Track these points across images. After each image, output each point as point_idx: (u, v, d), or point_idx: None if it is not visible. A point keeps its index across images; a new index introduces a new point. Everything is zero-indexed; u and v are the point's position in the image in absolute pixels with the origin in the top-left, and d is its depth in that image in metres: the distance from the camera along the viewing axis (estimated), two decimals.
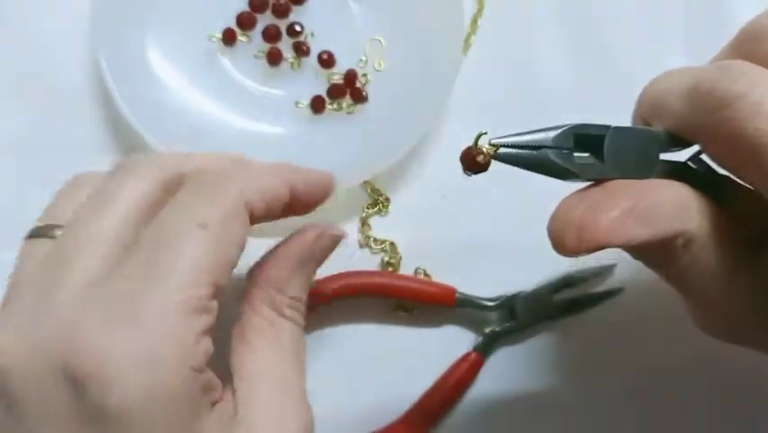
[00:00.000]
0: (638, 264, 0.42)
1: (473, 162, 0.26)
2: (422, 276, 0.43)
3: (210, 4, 0.45)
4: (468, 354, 0.41)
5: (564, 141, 0.26)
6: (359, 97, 0.44)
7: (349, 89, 0.44)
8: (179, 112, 0.43)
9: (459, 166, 0.44)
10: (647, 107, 0.30)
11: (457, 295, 0.41)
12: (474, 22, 0.46)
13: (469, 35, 0.46)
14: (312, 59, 0.45)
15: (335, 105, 0.44)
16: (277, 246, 0.33)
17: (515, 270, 0.42)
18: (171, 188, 0.30)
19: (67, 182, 0.32)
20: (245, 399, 0.29)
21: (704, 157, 0.29)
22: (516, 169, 0.45)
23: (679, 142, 0.28)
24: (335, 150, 0.43)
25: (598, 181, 0.27)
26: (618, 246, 0.26)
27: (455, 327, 0.42)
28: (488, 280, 0.42)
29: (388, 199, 0.44)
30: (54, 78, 0.44)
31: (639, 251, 0.29)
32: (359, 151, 0.43)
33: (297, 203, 0.33)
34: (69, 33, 0.44)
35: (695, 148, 0.29)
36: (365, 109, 0.44)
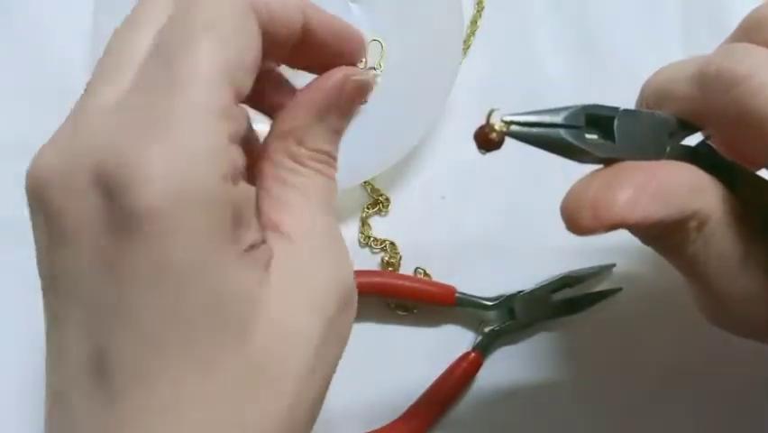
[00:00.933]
0: (637, 264, 0.42)
1: (487, 140, 0.26)
2: (422, 276, 0.43)
3: None
4: (467, 354, 0.41)
5: (576, 120, 0.26)
6: None
7: None
8: None
9: (460, 165, 0.45)
10: (652, 95, 0.30)
11: (457, 295, 0.42)
12: (474, 22, 0.46)
13: (469, 35, 0.46)
14: None
15: None
16: (298, 94, 0.29)
17: (514, 270, 0.43)
18: None
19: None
20: (278, 255, 0.26)
21: (710, 144, 0.29)
22: (515, 168, 0.45)
23: (686, 127, 0.28)
24: None
25: (609, 163, 0.27)
26: (633, 225, 0.25)
27: (455, 327, 0.42)
28: (488, 280, 0.42)
29: (388, 199, 0.44)
30: (55, 78, 0.44)
31: (651, 233, 0.28)
32: (359, 151, 0.43)
33: (312, 45, 0.28)
34: (71, 34, 0.44)
35: (699, 138, 0.29)
36: (365, 109, 0.44)
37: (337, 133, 0.30)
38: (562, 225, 0.43)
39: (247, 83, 0.25)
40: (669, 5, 0.46)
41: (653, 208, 0.25)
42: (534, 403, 0.41)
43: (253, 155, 0.28)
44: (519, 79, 0.45)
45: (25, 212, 0.39)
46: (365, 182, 0.44)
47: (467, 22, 0.46)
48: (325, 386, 0.27)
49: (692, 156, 0.29)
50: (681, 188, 0.26)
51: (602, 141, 0.27)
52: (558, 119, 0.26)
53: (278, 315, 0.25)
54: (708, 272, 0.28)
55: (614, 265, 0.42)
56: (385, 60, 0.45)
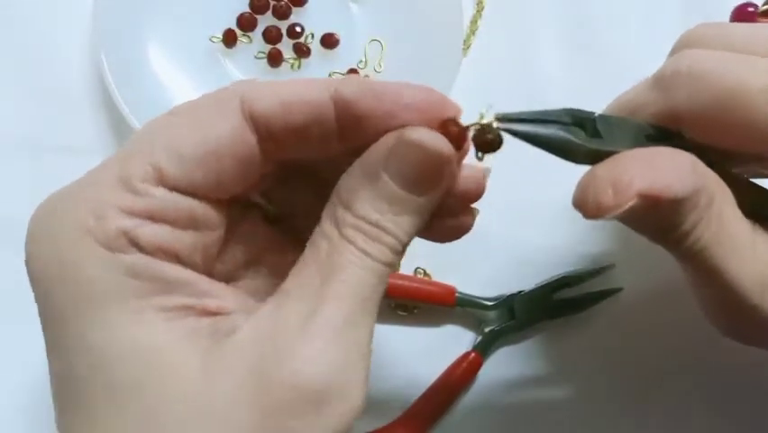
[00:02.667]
0: (637, 264, 0.42)
1: (485, 141, 0.25)
2: (422, 276, 0.43)
3: (211, 5, 0.45)
4: (467, 354, 0.41)
5: (565, 117, 0.27)
6: None
7: None
8: None
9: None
10: (622, 114, 0.30)
11: (457, 295, 0.42)
12: (474, 22, 0.46)
13: (469, 35, 0.46)
14: (312, 60, 0.45)
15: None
16: None
17: (514, 270, 0.43)
18: None
19: None
20: (247, 330, 0.24)
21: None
22: (515, 169, 0.45)
23: (662, 135, 0.29)
24: None
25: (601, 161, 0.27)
26: (654, 197, 0.25)
27: (455, 327, 0.42)
28: (488, 280, 0.42)
29: None
30: (55, 79, 0.44)
31: (665, 221, 0.27)
32: None
33: (365, 122, 0.25)
34: (71, 35, 0.45)
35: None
36: None
37: (393, 202, 0.25)
38: (561, 225, 0.44)
39: (177, 170, 0.24)
40: (669, 6, 0.46)
41: (669, 181, 0.25)
42: (534, 403, 0.41)
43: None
44: (519, 79, 0.45)
45: (26, 212, 0.39)
46: None
47: (467, 22, 0.46)
48: None
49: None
50: (690, 165, 0.26)
51: (591, 138, 0.27)
52: (551, 115, 0.26)
53: (193, 390, 0.23)
54: (720, 259, 0.28)
55: (614, 265, 0.42)
56: (385, 60, 0.45)
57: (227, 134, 0.25)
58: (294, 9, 0.45)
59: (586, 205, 0.26)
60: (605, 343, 0.42)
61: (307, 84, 0.25)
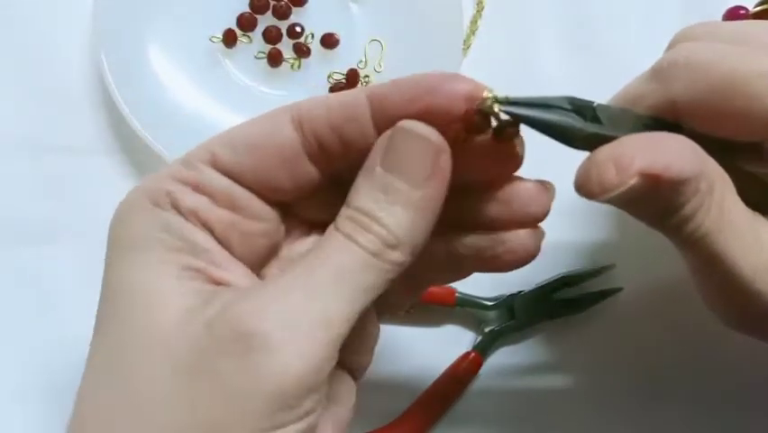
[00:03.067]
0: (637, 264, 0.42)
1: (474, 125, 0.26)
2: None
3: (211, 5, 0.45)
4: (467, 354, 0.41)
5: (566, 104, 0.27)
6: None
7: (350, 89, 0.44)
8: (180, 112, 0.43)
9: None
10: (621, 104, 0.31)
11: (457, 295, 0.42)
12: (474, 22, 0.46)
13: (469, 35, 0.46)
14: (312, 60, 0.45)
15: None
16: None
17: (514, 270, 0.43)
18: None
19: None
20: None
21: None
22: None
23: (661, 125, 0.29)
24: None
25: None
26: (656, 175, 0.25)
27: (455, 327, 0.42)
28: (488, 280, 0.42)
29: None
30: (55, 79, 0.44)
31: (667, 204, 0.27)
32: None
33: (396, 116, 0.26)
34: (71, 35, 0.45)
35: None
36: None
37: (387, 192, 0.25)
38: (561, 225, 0.43)
39: (228, 155, 0.28)
40: (669, 6, 0.46)
41: (671, 160, 0.25)
42: (534, 403, 0.41)
43: None
44: (519, 79, 0.45)
45: (26, 212, 0.39)
46: None
47: (467, 22, 0.46)
48: None
49: None
50: (691, 148, 0.26)
51: (591, 123, 0.27)
52: (552, 100, 0.27)
53: (162, 330, 0.25)
54: (721, 246, 0.27)
55: (614, 265, 0.42)
56: (385, 60, 0.45)
57: (272, 130, 0.28)
58: (294, 9, 0.45)
59: (589, 183, 0.26)
60: (605, 343, 0.42)
61: (347, 92, 0.28)
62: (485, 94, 0.26)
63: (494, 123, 0.27)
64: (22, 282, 0.42)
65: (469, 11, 0.46)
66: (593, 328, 0.42)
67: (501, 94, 0.26)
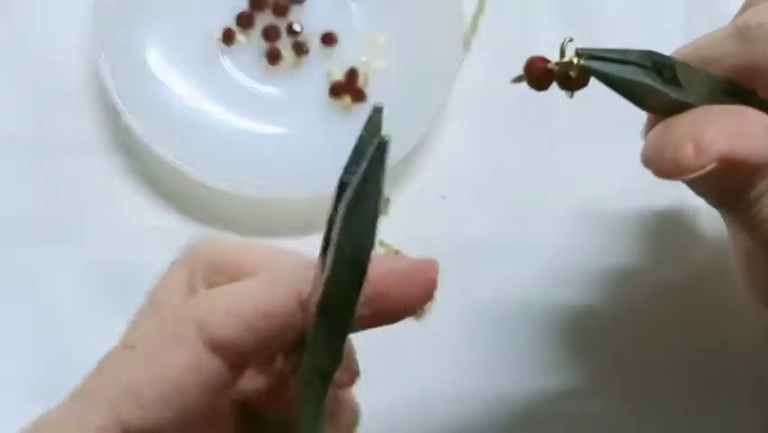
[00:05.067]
0: (638, 264, 0.42)
1: (568, 79, 0.25)
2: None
3: (210, 3, 0.45)
4: None
5: (646, 60, 0.25)
6: (359, 96, 0.44)
7: (350, 88, 0.44)
8: (179, 111, 0.43)
9: (460, 164, 0.45)
10: (696, 62, 0.28)
11: None
12: (474, 22, 0.46)
13: (469, 35, 0.46)
14: (312, 60, 0.45)
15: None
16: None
17: (515, 270, 0.43)
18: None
19: None
20: None
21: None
22: (516, 168, 0.45)
23: (735, 90, 0.27)
24: (335, 149, 0.43)
25: (672, 112, 0.25)
26: (741, 158, 0.24)
27: None
28: (488, 281, 0.42)
29: (387, 199, 0.44)
30: (55, 79, 0.44)
31: (735, 184, 0.26)
32: None
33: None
34: (71, 35, 0.44)
35: None
36: (365, 109, 0.44)
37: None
38: (562, 224, 0.43)
39: (137, 416, 0.22)
40: (671, 6, 0.46)
41: (752, 145, 0.24)
42: (534, 403, 0.41)
43: None
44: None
45: (25, 212, 0.39)
46: None
47: (467, 21, 0.46)
48: None
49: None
50: (766, 129, 0.25)
51: (670, 85, 0.26)
52: (631, 55, 0.25)
53: None
54: None
55: None
56: (385, 60, 0.45)
57: (186, 367, 0.22)
58: (293, 7, 0.45)
59: (662, 161, 0.24)
60: (605, 343, 0.42)
61: (270, 289, 0.23)
62: (564, 45, 0.25)
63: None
64: (22, 282, 0.42)
65: (469, 10, 0.46)
66: (593, 328, 0.42)
67: (579, 46, 0.25)
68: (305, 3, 0.45)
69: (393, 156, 0.41)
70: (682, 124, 0.24)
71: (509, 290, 0.42)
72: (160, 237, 0.42)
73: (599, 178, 0.42)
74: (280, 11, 0.45)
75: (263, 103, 0.44)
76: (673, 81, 0.26)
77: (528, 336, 0.42)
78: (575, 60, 0.25)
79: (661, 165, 0.24)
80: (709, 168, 0.23)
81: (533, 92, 0.45)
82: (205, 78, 0.44)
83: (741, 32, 0.27)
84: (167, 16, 0.44)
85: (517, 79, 0.26)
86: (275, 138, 0.44)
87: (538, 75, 0.25)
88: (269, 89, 0.45)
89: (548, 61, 0.25)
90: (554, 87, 0.44)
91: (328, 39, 0.45)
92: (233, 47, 0.45)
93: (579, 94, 0.44)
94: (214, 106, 0.44)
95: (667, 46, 0.45)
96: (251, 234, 0.40)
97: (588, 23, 0.46)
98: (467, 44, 0.46)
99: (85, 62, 0.44)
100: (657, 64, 0.26)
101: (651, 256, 0.41)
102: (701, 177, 0.24)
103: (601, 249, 0.43)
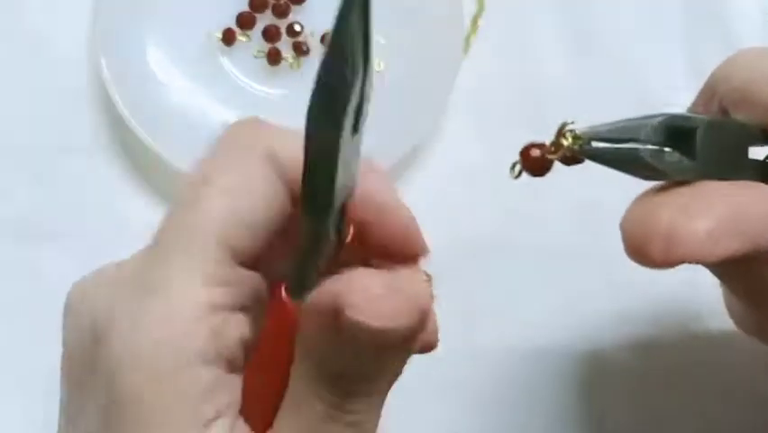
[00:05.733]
0: (638, 265, 0.42)
1: (542, 163, 0.24)
2: None
3: (210, 3, 0.45)
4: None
5: (656, 134, 0.24)
6: None
7: None
8: (179, 112, 0.43)
9: (460, 165, 0.45)
10: (732, 93, 0.26)
11: None
12: (474, 22, 0.46)
13: (469, 35, 0.46)
14: (312, 60, 0.45)
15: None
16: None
17: (515, 270, 0.43)
18: None
19: None
20: None
21: None
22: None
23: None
24: None
25: (682, 182, 0.24)
26: (713, 262, 0.23)
27: None
28: (487, 281, 0.42)
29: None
30: (55, 79, 0.44)
31: (722, 265, 0.25)
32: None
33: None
34: (70, 35, 0.44)
35: None
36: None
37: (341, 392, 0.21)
38: (562, 225, 0.43)
39: (248, 243, 0.22)
40: (670, 5, 0.46)
41: (734, 245, 0.23)
42: (534, 403, 0.41)
43: None
44: (519, 79, 0.45)
45: (25, 212, 0.39)
46: None
47: (467, 21, 0.46)
48: None
49: None
50: (765, 219, 0.24)
51: (681, 158, 0.24)
52: (638, 134, 0.24)
53: None
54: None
55: None
56: (385, 60, 0.45)
57: (271, 195, 0.22)
58: (293, 7, 0.45)
59: (631, 248, 0.23)
60: (604, 343, 0.42)
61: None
62: (565, 126, 0.24)
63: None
64: (22, 282, 0.42)
65: (469, 10, 0.46)
66: (592, 329, 0.42)
67: (575, 128, 0.24)
68: (305, 3, 0.45)
69: (393, 156, 0.42)
70: (661, 211, 0.23)
71: (509, 290, 0.42)
72: None
73: (601, 178, 0.42)
74: (281, 11, 0.45)
75: (263, 103, 0.44)
76: (689, 152, 0.24)
77: (528, 335, 0.42)
78: (567, 143, 0.24)
79: (630, 250, 0.24)
80: (671, 266, 0.23)
81: (533, 92, 0.45)
82: (206, 78, 0.44)
83: None
84: (167, 16, 0.44)
85: (514, 169, 0.25)
86: None
87: (536, 163, 0.24)
88: (270, 90, 0.45)
89: (543, 146, 0.24)
90: (546, 96, 0.44)
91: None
92: (233, 47, 0.45)
93: (582, 90, 0.44)
94: (214, 106, 0.44)
95: (667, 46, 0.46)
96: None
97: (588, 22, 0.46)
98: (467, 44, 0.46)
99: (85, 63, 0.44)
100: (673, 132, 0.24)
101: None
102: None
103: (602, 249, 0.43)
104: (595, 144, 0.24)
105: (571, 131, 0.24)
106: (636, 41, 0.46)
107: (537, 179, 0.43)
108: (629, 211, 0.24)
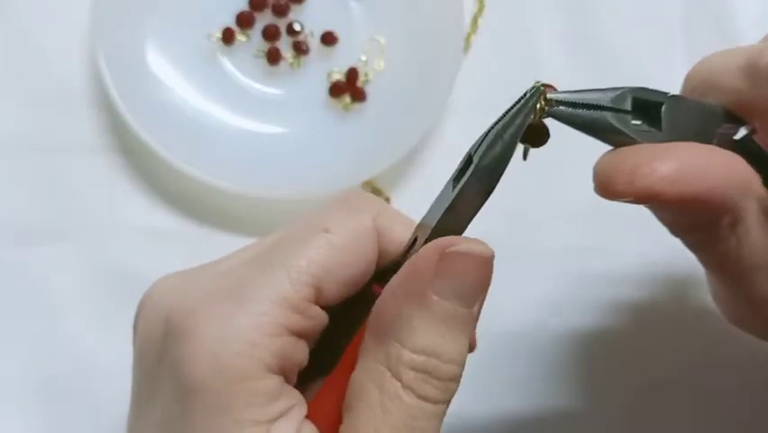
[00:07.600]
0: (638, 265, 0.42)
1: (535, 130, 0.25)
2: None
3: (209, 3, 0.45)
4: None
5: (622, 103, 0.25)
6: (359, 96, 0.44)
7: (350, 88, 0.44)
8: (178, 111, 0.43)
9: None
10: (699, 85, 0.28)
11: None
12: (474, 21, 0.46)
13: (469, 35, 0.46)
14: (312, 58, 0.45)
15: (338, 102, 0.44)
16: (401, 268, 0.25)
17: (515, 270, 0.42)
18: None
19: None
20: None
21: (755, 139, 0.28)
22: (517, 168, 0.45)
23: (733, 120, 0.28)
24: (335, 149, 0.43)
25: None
26: (667, 200, 0.25)
27: None
28: None
29: (388, 199, 0.44)
30: (55, 79, 0.44)
31: (682, 223, 0.27)
32: (359, 150, 0.43)
33: None
34: (70, 34, 0.44)
35: (743, 133, 0.28)
36: (365, 109, 0.44)
37: (450, 323, 0.24)
38: (563, 225, 0.43)
39: (333, 292, 0.25)
40: (670, 5, 0.46)
41: (690, 189, 0.25)
42: (534, 403, 0.41)
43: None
44: (519, 79, 0.45)
45: (25, 212, 0.39)
46: (365, 182, 0.44)
47: (467, 21, 0.46)
48: None
49: (736, 150, 0.28)
50: (728, 178, 0.25)
51: (647, 128, 0.26)
52: (605, 100, 0.25)
53: None
54: (737, 272, 0.27)
55: None
56: (385, 60, 0.45)
57: (369, 260, 0.26)
58: (293, 7, 0.45)
59: (597, 181, 0.25)
60: (604, 343, 0.42)
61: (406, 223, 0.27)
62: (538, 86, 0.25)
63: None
64: (22, 282, 0.42)
65: (469, 10, 0.46)
66: (592, 329, 0.42)
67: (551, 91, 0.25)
68: (305, 3, 0.45)
69: (394, 155, 0.42)
70: (631, 153, 0.25)
71: (510, 290, 0.42)
72: (160, 237, 0.42)
73: None
74: (280, 11, 0.45)
75: (263, 103, 0.44)
76: (654, 121, 0.26)
77: (528, 336, 0.42)
78: (540, 105, 0.25)
79: (597, 183, 0.25)
80: (633, 199, 0.25)
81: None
82: (205, 77, 0.44)
83: (751, 70, 0.27)
84: (167, 16, 0.44)
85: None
86: (275, 138, 0.44)
87: (529, 132, 0.25)
88: (269, 89, 0.45)
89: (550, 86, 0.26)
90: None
91: (328, 39, 0.45)
92: (233, 47, 0.45)
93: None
94: (214, 106, 0.44)
95: (667, 46, 0.46)
96: (251, 233, 0.40)
97: (587, 23, 0.46)
98: (467, 44, 0.46)
99: (84, 62, 0.44)
100: (640, 103, 0.26)
101: (654, 257, 0.41)
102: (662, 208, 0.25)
103: (604, 249, 0.43)
104: (563, 109, 0.25)
105: (542, 93, 0.25)
106: (636, 40, 0.46)
107: (539, 179, 0.43)
108: (601, 157, 0.26)
